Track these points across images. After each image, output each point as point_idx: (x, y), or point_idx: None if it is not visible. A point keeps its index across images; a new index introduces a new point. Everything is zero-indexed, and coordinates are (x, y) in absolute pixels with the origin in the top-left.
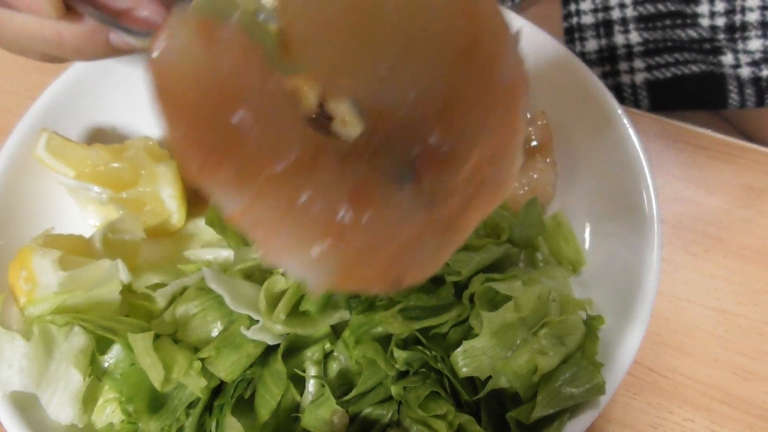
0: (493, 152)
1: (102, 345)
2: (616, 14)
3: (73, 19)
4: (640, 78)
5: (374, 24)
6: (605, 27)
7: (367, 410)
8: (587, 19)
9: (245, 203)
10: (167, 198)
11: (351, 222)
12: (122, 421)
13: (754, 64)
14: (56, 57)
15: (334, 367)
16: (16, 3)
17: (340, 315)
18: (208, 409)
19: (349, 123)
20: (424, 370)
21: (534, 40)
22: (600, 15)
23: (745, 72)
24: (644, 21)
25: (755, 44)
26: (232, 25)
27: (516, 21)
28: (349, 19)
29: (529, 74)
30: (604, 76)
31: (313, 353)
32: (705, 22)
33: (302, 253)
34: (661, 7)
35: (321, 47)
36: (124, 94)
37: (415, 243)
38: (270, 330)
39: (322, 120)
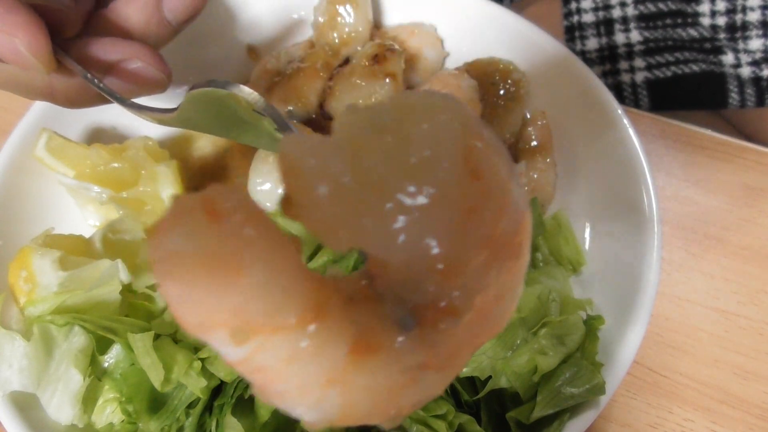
0: (495, 295)
1: (102, 345)
2: (616, 13)
3: (64, 73)
4: (640, 77)
5: (384, 189)
6: (606, 26)
7: None
8: (588, 18)
9: (244, 356)
10: (168, 198)
11: (353, 369)
12: (122, 421)
13: (755, 63)
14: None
15: None
16: (7, 58)
17: None
18: (208, 409)
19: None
20: None
21: (534, 40)
22: (601, 14)
23: (746, 71)
24: (645, 20)
25: (756, 44)
26: (235, 196)
27: (516, 21)
28: (354, 180)
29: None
30: (604, 75)
31: None
32: (706, 21)
33: (303, 399)
34: (662, 6)
35: (323, 209)
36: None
37: (413, 382)
38: None
39: (322, 119)
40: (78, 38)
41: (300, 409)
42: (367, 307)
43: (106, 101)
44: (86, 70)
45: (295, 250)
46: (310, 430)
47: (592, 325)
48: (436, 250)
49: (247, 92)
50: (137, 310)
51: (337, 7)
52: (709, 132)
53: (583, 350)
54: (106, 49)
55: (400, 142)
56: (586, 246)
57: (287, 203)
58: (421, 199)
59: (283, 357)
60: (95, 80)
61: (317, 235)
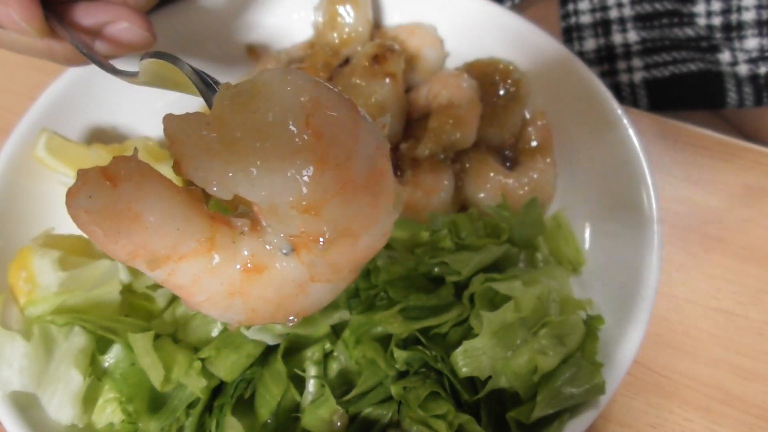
0: (361, 224)
1: (102, 345)
2: (613, 14)
3: (60, 38)
4: (638, 77)
5: (244, 150)
6: (603, 26)
7: (367, 410)
8: (585, 19)
9: (164, 277)
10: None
11: (247, 284)
12: (122, 421)
13: (752, 61)
14: None
15: (334, 367)
16: (7, 26)
17: (340, 315)
18: (208, 409)
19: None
20: (424, 370)
21: (534, 41)
22: (598, 14)
23: (743, 69)
24: (642, 20)
25: (752, 43)
26: (128, 160)
27: (516, 21)
28: (226, 143)
29: (384, 151)
30: (602, 76)
31: (313, 353)
32: (702, 21)
33: (214, 307)
34: (658, 6)
35: (204, 169)
36: (124, 94)
37: (303, 292)
38: (270, 330)
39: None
40: (69, 4)
41: (215, 314)
42: (254, 238)
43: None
44: (73, 35)
45: (191, 198)
46: (231, 329)
47: (592, 325)
48: (295, 194)
49: (179, 63)
50: (137, 310)
51: (337, 7)
52: (709, 132)
53: (583, 350)
54: (94, 13)
55: (254, 113)
56: (586, 246)
57: (177, 167)
58: (276, 156)
59: (190, 278)
60: (78, 45)
61: (202, 187)
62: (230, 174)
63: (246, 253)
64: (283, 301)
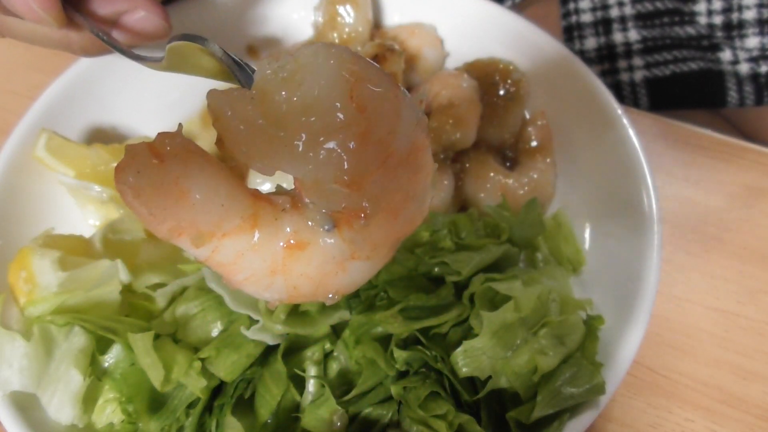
0: (402, 199)
1: (102, 345)
2: (614, 12)
3: (78, 26)
4: (639, 75)
5: (289, 125)
6: (604, 25)
7: (367, 410)
8: (586, 18)
9: (207, 255)
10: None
11: (289, 261)
12: (122, 421)
13: (753, 60)
14: None
15: (334, 367)
16: (25, 15)
17: (340, 315)
18: (208, 409)
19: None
20: (424, 370)
21: (534, 41)
22: (599, 13)
23: (744, 68)
24: (643, 19)
25: (753, 42)
26: (173, 136)
27: (516, 21)
28: (270, 118)
29: (428, 125)
30: (603, 75)
31: (313, 353)
32: (703, 20)
33: (257, 285)
34: (659, 4)
35: (247, 145)
36: (124, 94)
37: (342, 270)
38: (270, 330)
39: None
40: None
41: (257, 291)
42: (296, 215)
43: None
44: (93, 24)
45: (234, 176)
46: (271, 308)
47: (592, 325)
48: (338, 169)
49: (210, 45)
50: (137, 310)
51: (337, 7)
52: (709, 132)
53: (583, 350)
54: (111, 2)
55: (298, 88)
56: (586, 246)
57: (220, 143)
58: (320, 131)
59: (233, 255)
60: (99, 33)
61: (247, 164)
62: (274, 149)
63: (288, 229)
64: (323, 278)
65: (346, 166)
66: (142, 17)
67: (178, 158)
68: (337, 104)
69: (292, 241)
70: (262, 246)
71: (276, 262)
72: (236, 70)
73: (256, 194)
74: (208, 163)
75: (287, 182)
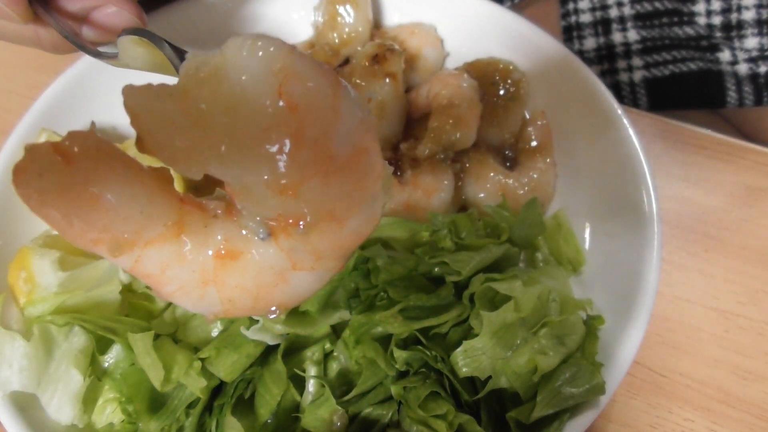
0: (346, 207)
1: (102, 345)
2: (614, 12)
3: (45, 24)
4: (638, 75)
5: (211, 125)
6: (603, 25)
7: (367, 410)
8: (585, 18)
9: (130, 265)
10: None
11: (222, 272)
12: (122, 421)
13: (752, 60)
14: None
15: (334, 367)
16: None
17: (340, 315)
18: (208, 409)
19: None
20: (424, 370)
21: (534, 41)
22: (598, 13)
23: (743, 68)
24: (642, 19)
25: (752, 42)
26: (85, 136)
27: (516, 21)
28: (192, 117)
29: (372, 132)
30: (602, 75)
31: (313, 353)
32: (702, 20)
33: (187, 297)
34: (658, 5)
35: (168, 145)
36: None
37: (283, 281)
38: (270, 330)
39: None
40: None
41: (189, 305)
42: (228, 223)
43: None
44: (58, 19)
45: (157, 179)
46: (208, 322)
47: (592, 325)
48: (268, 173)
49: (157, 40)
50: (137, 310)
51: (337, 7)
52: (709, 132)
53: (583, 350)
54: None
55: (221, 84)
56: (586, 246)
57: (140, 142)
58: (246, 132)
59: (158, 265)
60: (62, 29)
61: (169, 165)
62: (197, 151)
63: (219, 237)
64: (261, 291)
65: (278, 170)
66: (113, 12)
67: (88, 159)
68: (265, 102)
69: (222, 251)
70: (189, 255)
71: (207, 272)
72: (175, 64)
73: (185, 199)
74: (125, 165)
75: None
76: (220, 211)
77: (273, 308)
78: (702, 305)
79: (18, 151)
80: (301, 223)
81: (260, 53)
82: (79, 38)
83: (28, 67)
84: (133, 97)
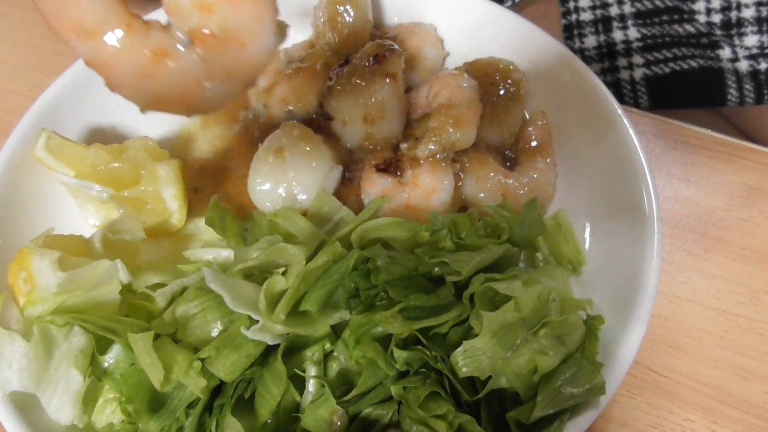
0: (251, 34)
1: (102, 345)
2: (614, 11)
3: None
4: (639, 73)
5: None
6: (603, 23)
7: (367, 410)
8: (585, 16)
9: (90, 55)
10: (169, 197)
11: (156, 68)
12: (122, 421)
13: (752, 57)
14: None
15: (334, 367)
16: None
17: (340, 315)
18: (208, 409)
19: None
20: (424, 370)
21: (534, 40)
22: (598, 12)
23: (744, 65)
24: (642, 17)
25: (752, 40)
26: None
27: (516, 21)
28: None
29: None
30: (603, 73)
31: (313, 353)
32: (701, 18)
33: (130, 87)
34: (658, 3)
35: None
36: None
37: (200, 87)
38: (270, 330)
39: (322, 119)
40: None
41: (128, 94)
42: (162, 32)
43: None
44: None
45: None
46: (142, 113)
47: (592, 325)
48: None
49: None
50: (137, 310)
51: (337, 7)
52: (709, 132)
53: (583, 350)
54: None
55: None
56: (586, 246)
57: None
58: None
59: (110, 53)
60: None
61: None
62: None
63: (155, 39)
64: (185, 90)
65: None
66: None
67: None
68: None
69: (156, 51)
70: (133, 49)
71: (144, 66)
72: None
73: (133, 14)
74: None
75: (302, 194)
76: (158, 26)
77: (194, 108)
78: (702, 305)
79: (18, 151)
80: (214, 36)
81: None
82: None
83: (28, 67)
84: None
